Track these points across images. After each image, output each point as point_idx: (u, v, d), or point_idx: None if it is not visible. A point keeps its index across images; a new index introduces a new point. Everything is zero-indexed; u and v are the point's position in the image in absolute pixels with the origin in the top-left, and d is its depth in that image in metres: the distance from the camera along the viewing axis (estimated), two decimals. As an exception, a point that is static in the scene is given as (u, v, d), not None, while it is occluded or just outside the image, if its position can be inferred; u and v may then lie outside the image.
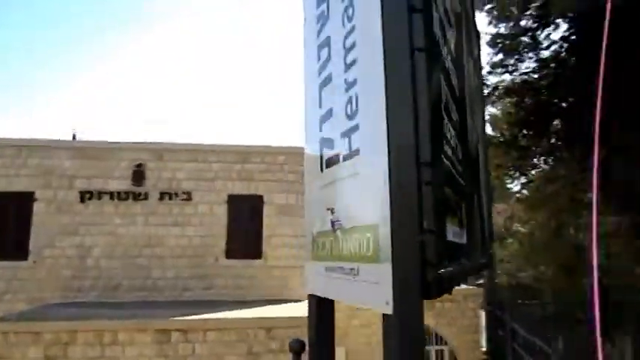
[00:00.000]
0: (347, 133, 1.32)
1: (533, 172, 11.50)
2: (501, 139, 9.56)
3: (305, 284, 1.65)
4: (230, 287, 10.33)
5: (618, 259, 7.81)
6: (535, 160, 10.48)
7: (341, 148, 1.37)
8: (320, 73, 1.57)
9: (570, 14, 7.61)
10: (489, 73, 9.01)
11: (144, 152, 10.52)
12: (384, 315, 1.09)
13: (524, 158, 9.64)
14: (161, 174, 10.51)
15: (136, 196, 10.32)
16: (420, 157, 1.10)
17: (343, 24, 1.39)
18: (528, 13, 8.25)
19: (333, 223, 1.41)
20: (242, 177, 10.78)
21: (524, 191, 11.70)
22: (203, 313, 7.78)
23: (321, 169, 1.52)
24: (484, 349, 12.29)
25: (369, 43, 1.23)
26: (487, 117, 10.25)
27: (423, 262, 1.07)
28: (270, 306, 9.03)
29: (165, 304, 9.47)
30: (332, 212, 1.42)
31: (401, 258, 1.07)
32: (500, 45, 8.65)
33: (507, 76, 9.14)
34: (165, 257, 10.24)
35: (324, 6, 1.57)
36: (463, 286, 11.37)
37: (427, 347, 11.56)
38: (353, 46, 1.32)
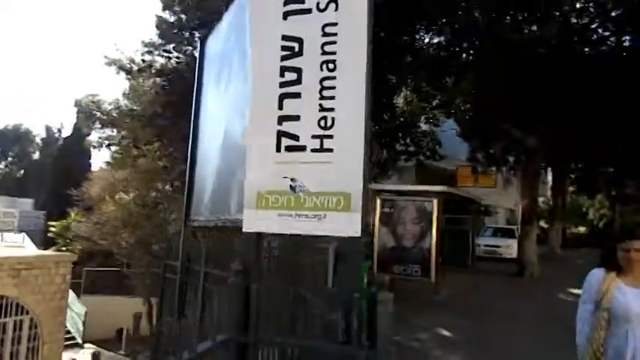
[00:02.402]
0: (320, 137, 2.26)
1: (146, 147, 12.67)
2: (141, 114, 10.28)
3: (244, 224, 2.34)
4: None
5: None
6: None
7: (309, 142, 2.27)
8: (282, 86, 2.35)
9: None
10: (149, 52, 9.62)
11: None
12: (350, 237, 2.16)
13: (160, 135, 10.74)
14: None
15: None
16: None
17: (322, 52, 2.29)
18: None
19: (293, 187, 2.27)
20: None
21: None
22: None
23: (278, 150, 2.32)
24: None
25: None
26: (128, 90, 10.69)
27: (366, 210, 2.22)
28: None
29: None
30: (292, 180, 2.28)
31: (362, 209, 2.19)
32: (164, 29, 9.43)
33: (162, 60, 10.02)
34: None
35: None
36: (54, 253, 11.26)
37: (5, 319, 10.58)
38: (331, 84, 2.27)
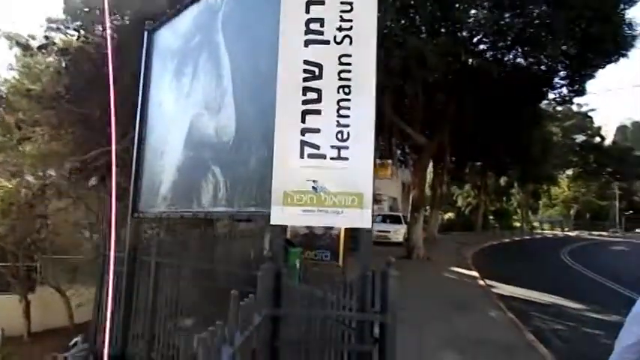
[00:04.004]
0: (338, 148, 2.79)
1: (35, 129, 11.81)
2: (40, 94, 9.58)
3: (272, 219, 2.78)
4: None
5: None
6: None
7: (328, 152, 2.79)
8: (304, 103, 2.82)
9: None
10: (54, 29, 8.99)
11: None
12: (362, 229, 2.74)
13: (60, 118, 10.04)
14: None
15: None
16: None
17: (339, 92, 2.82)
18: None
19: (315, 187, 2.78)
20: None
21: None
22: None
23: (302, 157, 2.80)
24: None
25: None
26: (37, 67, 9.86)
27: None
28: None
29: None
30: (314, 182, 2.78)
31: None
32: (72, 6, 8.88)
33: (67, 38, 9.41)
34: None
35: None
36: None
37: None
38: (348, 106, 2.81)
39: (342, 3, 2.84)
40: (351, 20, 2.84)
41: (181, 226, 8.25)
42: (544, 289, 11.69)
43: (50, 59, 10.51)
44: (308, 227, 12.54)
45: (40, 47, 9.75)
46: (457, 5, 12.78)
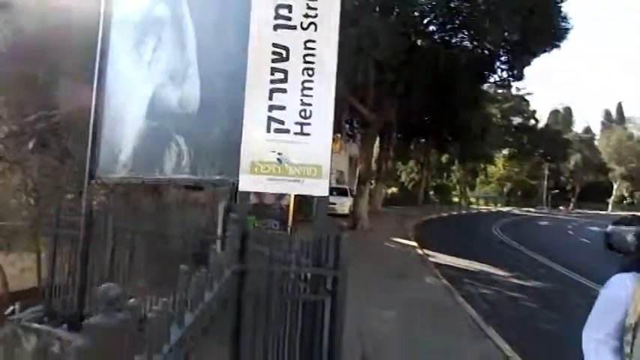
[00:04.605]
0: (300, 124, 3.12)
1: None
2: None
3: (240, 185, 3.08)
4: None
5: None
6: None
7: (292, 127, 3.12)
8: (272, 82, 3.11)
9: None
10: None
11: None
12: (319, 197, 3.12)
13: None
14: None
15: None
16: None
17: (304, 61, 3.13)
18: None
19: (279, 159, 3.11)
20: None
21: None
22: None
23: (268, 131, 3.11)
24: None
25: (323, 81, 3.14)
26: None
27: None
28: None
29: None
30: (279, 154, 3.11)
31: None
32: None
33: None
34: None
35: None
36: None
37: None
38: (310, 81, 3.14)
39: (308, -8, 3.12)
40: (316, 9, 3.14)
41: (134, 194, 8.29)
42: (476, 258, 12.81)
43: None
44: (258, 197, 12.88)
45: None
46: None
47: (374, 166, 25.73)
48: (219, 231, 6.48)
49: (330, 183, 3.18)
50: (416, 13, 15.03)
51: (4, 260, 12.32)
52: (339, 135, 20.68)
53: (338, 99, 3.24)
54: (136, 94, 5.08)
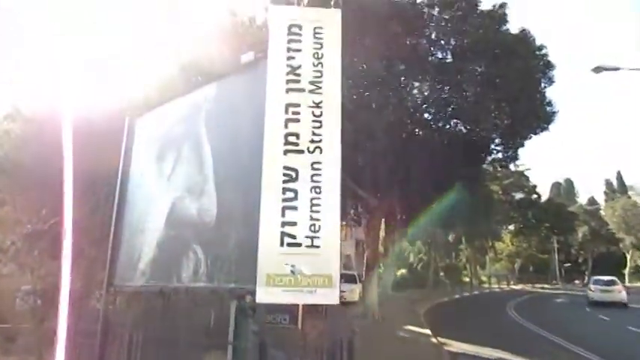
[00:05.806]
0: (311, 238, 3.43)
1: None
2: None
3: (257, 297, 3.32)
4: None
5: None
6: None
7: (304, 241, 3.42)
8: (284, 192, 3.47)
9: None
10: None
11: None
12: (329, 305, 3.34)
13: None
14: None
15: None
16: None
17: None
18: None
19: (292, 271, 3.37)
20: None
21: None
22: None
23: (282, 245, 3.41)
24: None
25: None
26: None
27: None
28: None
29: None
30: (292, 266, 3.38)
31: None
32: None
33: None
34: None
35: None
36: None
37: None
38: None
39: (313, 121, 3.60)
40: (320, 135, 3.60)
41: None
42: (492, 344, 12.42)
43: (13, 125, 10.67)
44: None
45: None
46: (404, 80, 14.32)
47: (381, 249, 25.64)
48: (231, 337, 6.56)
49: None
50: (409, 104, 16.02)
51: (3, 364, 12.01)
52: (343, 222, 20.99)
53: (341, 187, 3.58)
54: (156, 205, 5.47)
